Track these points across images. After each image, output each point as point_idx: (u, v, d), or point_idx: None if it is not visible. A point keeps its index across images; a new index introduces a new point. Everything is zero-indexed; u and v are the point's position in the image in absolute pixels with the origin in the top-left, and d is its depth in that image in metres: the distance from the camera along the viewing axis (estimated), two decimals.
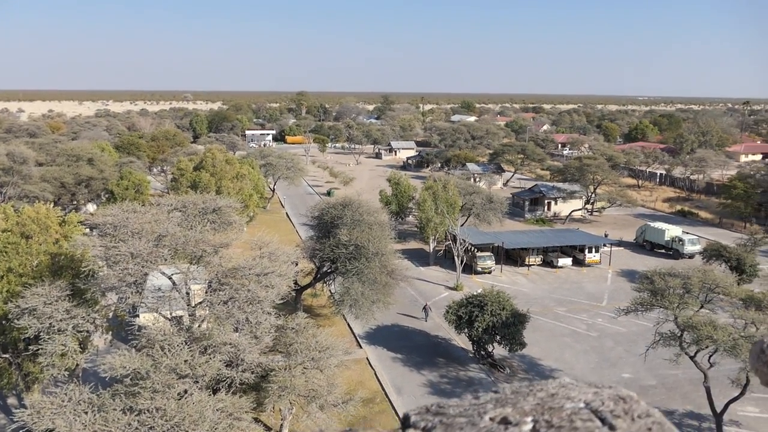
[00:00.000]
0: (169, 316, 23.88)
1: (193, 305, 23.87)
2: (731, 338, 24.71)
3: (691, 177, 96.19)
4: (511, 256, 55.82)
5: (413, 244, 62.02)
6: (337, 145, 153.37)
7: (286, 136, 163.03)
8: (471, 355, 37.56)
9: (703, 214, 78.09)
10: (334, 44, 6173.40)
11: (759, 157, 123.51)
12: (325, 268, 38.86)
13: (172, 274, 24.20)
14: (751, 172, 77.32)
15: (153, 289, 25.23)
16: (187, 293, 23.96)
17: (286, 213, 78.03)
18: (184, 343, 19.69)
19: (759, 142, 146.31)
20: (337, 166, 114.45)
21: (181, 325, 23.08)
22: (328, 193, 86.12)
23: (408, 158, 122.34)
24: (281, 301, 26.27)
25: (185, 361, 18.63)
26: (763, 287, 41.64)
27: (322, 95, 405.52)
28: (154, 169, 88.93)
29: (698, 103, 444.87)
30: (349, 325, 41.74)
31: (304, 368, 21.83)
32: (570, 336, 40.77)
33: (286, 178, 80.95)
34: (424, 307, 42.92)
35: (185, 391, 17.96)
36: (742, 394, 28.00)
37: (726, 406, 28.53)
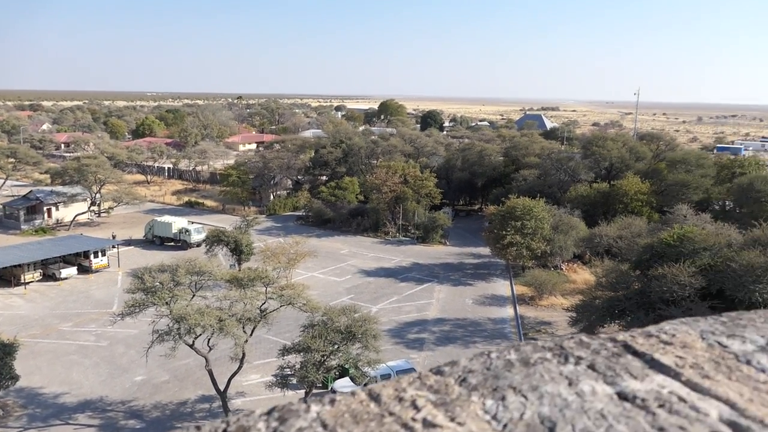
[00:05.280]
0: None
1: None
2: (217, 320, 26.12)
3: (197, 168, 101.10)
4: (3, 277, 48.62)
5: None
6: None
7: None
8: None
9: (208, 202, 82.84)
10: None
11: (254, 146, 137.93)
12: None
13: None
14: (245, 161, 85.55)
15: None
16: None
17: None
18: None
19: (254, 133, 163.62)
20: None
21: None
22: None
23: None
24: None
25: None
26: (258, 263, 46.26)
27: None
28: None
29: (203, 98, 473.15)
30: None
31: None
32: (77, 352, 37.66)
33: None
34: None
35: None
36: (240, 367, 30.23)
37: (229, 381, 30.38)
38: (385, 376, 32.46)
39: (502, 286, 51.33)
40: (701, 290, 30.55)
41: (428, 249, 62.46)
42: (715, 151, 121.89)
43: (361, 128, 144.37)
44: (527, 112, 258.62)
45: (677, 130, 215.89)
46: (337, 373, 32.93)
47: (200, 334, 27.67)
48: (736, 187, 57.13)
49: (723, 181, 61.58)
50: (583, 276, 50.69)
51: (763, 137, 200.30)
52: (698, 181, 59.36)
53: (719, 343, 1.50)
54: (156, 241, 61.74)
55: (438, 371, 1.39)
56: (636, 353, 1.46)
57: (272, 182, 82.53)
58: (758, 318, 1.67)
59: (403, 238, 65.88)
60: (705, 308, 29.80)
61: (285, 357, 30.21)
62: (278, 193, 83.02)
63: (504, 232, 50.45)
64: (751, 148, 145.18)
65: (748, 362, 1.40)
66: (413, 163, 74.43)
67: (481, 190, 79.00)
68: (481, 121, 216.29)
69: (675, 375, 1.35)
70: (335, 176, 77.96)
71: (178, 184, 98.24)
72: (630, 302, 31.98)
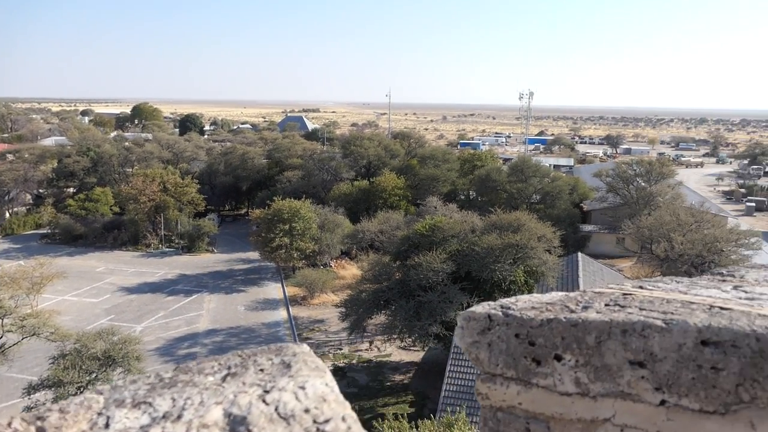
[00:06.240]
0: None
1: None
2: None
3: None
4: None
5: None
6: None
7: None
8: None
9: None
10: None
11: None
12: None
13: None
14: None
15: None
16: None
17: None
18: None
19: None
20: None
21: None
22: None
23: None
24: None
25: None
26: None
27: None
28: None
29: None
30: None
31: None
32: None
33: None
34: None
35: None
36: None
37: None
38: None
39: (274, 289, 51.18)
40: (453, 274, 33.51)
41: (195, 258, 59.94)
42: (458, 146, 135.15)
43: (112, 134, 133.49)
44: (289, 114, 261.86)
45: (426, 129, 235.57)
46: None
47: None
48: (476, 179, 63.90)
49: (466, 173, 68.40)
50: (351, 271, 52.63)
51: (496, 133, 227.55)
52: (446, 175, 65.24)
53: (109, 419, 1.13)
54: None
55: None
56: None
57: (7, 198, 72.53)
58: (209, 367, 1.31)
59: (167, 249, 62.37)
60: (457, 290, 32.75)
61: (32, 395, 26.69)
62: (15, 210, 73.26)
63: (272, 235, 50.36)
64: (487, 143, 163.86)
65: None
66: (173, 170, 70.87)
67: (246, 194, 77.99)
68: (243, 123, 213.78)
69: None
70: (84, 188, 71.07)
71: None
72: (393, 292, 33.91)
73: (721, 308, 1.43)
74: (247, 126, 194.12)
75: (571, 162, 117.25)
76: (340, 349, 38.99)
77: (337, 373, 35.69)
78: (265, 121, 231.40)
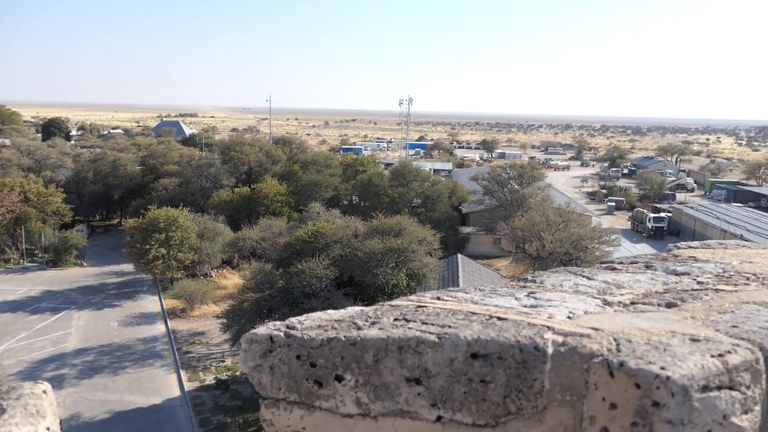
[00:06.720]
0: None
1: None
2: None
3: None
4: None
5: None
6: None
7: None
8: None
9: None
10: None
11: None
12: None
13: None
14: None
15: None
16: None
17: None
18: None
19: None
20: None
21: None
22: None
23: None
24: None
25: None
26: None
27: None
28: None
29: None
30: None
31: None
32: None
33: None
34: None
35: None
36: None
37: None
38: None
39: (150, 303, 48.81)
40: (336, 280, 33.51)
41: (61, 273, 55.92)
42: (341, 151, 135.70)
43: None
44: (164, 119, 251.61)
45: (308, 134, 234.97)
46: None
47: None
48: (359, 184, 64.41)
49: (349, 178, 68.76)
50: (233, 280, 51.26)
51: (378, 138, 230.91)
52: (328, 180, 65.22)
53: None
54: None
55: None
56: None
57: None
58: None
59: (30, 264, 57.79)
60: (340, 296, 32.77)
61: None
62: None
63: (148, 246, 47.97)
64: (369, 148, 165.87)
65: None
66: (35, 178, 65.93)
67: (118, 203, 73.93)
68: (114, 128, 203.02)
69: None
70: None
71: None
72: (276, 300, 33.36)
73: (499, 318, 1.46)
74: (119, 131, 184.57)
75: (449, 166, 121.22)
76: (223, 362, 37.84)
77: (220, 386, 34.64)
78: (138, 126, 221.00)
